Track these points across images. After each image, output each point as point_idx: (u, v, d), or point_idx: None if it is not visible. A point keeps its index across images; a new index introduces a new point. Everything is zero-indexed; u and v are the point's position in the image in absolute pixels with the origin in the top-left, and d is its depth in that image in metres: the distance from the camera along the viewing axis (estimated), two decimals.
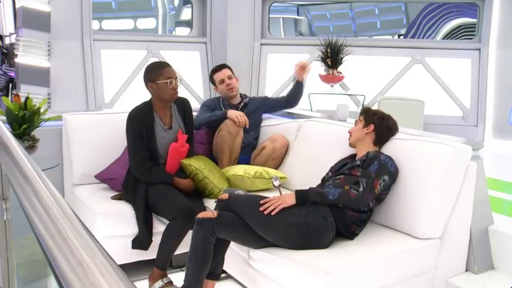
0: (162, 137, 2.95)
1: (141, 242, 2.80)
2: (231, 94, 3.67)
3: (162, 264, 2.71)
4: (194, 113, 3.28)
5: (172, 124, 3.00)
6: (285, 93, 5.86)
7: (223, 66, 3.76)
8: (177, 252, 2.76)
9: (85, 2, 5.21)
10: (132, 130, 2.89)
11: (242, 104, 3.69)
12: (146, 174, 2.87)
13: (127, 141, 2.95)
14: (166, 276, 2.73)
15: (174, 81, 2.86)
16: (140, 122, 2.88)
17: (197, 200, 2.97)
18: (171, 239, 2.70)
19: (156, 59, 5.68)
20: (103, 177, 3.18)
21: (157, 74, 2.87)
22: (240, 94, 3.76)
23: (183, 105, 3.06)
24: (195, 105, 5.86)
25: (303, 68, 3.76)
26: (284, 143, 3.40)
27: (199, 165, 2.98)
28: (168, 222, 2.78)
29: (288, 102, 3.82)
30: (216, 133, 3.46)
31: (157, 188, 2.84)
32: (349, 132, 2.74)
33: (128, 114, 2.94)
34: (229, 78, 3.66)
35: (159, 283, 2.69)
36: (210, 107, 3.68)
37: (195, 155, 3.10)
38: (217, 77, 3.69)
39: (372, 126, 2.64)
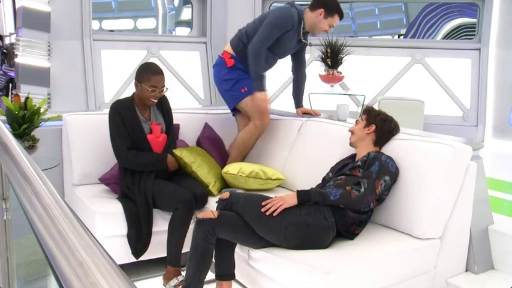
0: (146, 128, 3.04)
1: (139, 248, 2.82)
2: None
3: (174, 260, 2.74)
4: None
5: (151, 117, 3.09)
6: (284, 93, 5.89)
7: None
8: None
9: (85, 2, 5.21)
10: (113, 119, 2.97)
11: None
12: (132, 160, 2.93)
13: (110, 131, 2.99)
14: (181, 274, 2.73)
15: (157, 92, 2.96)
16: (121, 111, 2.98)
17: (197, 185, 3.03)
18: (176, 230, 2.73)
19: (156, 59, 5.68)
20: (106, 181, 3.15)
21: (146, 77, 2.95)
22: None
23: (161, 101, 3.12)
24: (195, 105, 5.88)
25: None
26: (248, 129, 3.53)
27: (189, 158, 3.08)
28: (167, 221, 2.79)
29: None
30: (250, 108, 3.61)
31: (156, 184, 2.89)
32: (349, 130, 2.73)
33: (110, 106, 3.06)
34: None
35: (174, 281, 2.70)
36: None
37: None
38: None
39: (373, 127, 2.63)
